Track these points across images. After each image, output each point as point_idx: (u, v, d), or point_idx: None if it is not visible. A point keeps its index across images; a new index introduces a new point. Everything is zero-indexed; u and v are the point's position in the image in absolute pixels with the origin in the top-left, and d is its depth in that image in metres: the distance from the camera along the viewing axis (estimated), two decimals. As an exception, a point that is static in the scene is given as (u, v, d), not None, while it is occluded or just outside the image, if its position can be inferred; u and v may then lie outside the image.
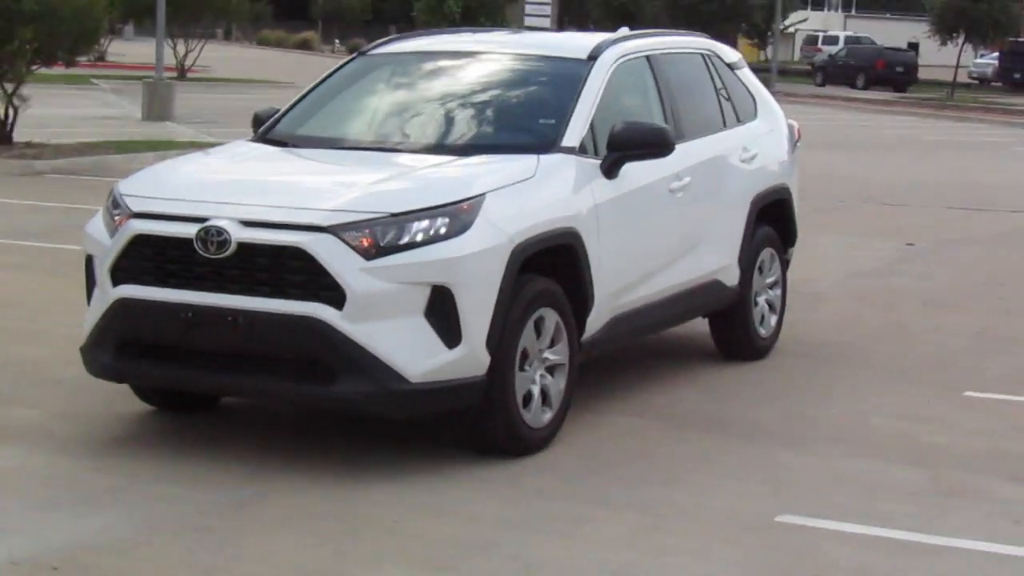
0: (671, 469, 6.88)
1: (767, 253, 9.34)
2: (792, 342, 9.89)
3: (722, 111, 9.12)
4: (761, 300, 9.30)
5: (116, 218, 6.88)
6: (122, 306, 6.75)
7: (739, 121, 9.23)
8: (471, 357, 6.51)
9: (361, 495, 6.32)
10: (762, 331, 9.30)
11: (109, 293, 6.80)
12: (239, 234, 6.43)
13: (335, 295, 6.32)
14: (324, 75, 8.71)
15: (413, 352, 6.39)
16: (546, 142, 7.40)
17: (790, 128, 9.96)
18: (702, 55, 9.22)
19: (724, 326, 9.16)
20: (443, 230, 6.46)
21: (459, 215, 6.54)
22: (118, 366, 6.86)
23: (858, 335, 10.25)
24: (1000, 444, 7.46)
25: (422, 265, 6.41)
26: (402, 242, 6.39)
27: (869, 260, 13.66)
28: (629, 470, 6.83)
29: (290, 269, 6.40)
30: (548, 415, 7.05)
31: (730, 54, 9.67)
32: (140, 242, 6.71)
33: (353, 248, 6.33)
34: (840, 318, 10.93)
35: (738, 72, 9.58)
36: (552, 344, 7.08)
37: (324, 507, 6.17)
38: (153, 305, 6.66)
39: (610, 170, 7.47)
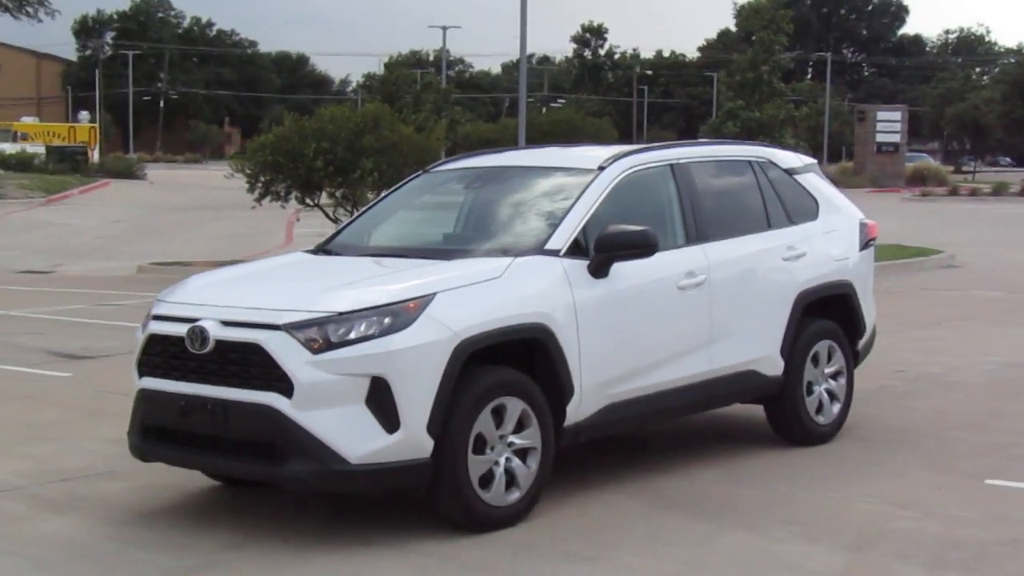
0: (596, 548, 6.79)
1: (824, 345, 9.10)
2: (870, 427, 9.63)
3: (767, 213, 9.04)
4: (819, 389, 9.05)
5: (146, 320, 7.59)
6: (142, 396, 7.26)
7: (791, 222, 9.09)
8: (411, 441, 6.64)
9: (302, 569, 6.53)
10: (820, 419, 9.04)
11: (135, 384, 7.40)
12: (217, 333, 6.84)
13: (286, 385, 6.60)
14: (392, 188, 9.45)
15: (354, 436, 6.59)
16: (530, 246, 7.57)
17: (862, 227, 9.91)
18: (750, 162, 9.15)
19: (774, 412, 9.00)
20: (385, 326, 6.67)
21: (403, 313, 6.71)
22: (144, 447, 7.29)
23: (945, 423, 9.80)
24: (967, 532, 6.98)
25: (362, 358, 6.60)
26: (348, 338, 6.62)
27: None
28: (563, 548, 6.77)
29: (252, 363, 6.70)
30: (515, 495, 7.08)
31: (789, 160, 9.51)
32: (154, 340, 7.21)
33: (302, 344, 6.65)
34: (947, 406, 10.46)
35: (798, 176, 9.41)
36: (520, 430, 7.15)
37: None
38: (159, 395, 7.13)
39: (597, 270, 7.53)
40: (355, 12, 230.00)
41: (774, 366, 8.75)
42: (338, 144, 23.34)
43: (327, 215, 23.06)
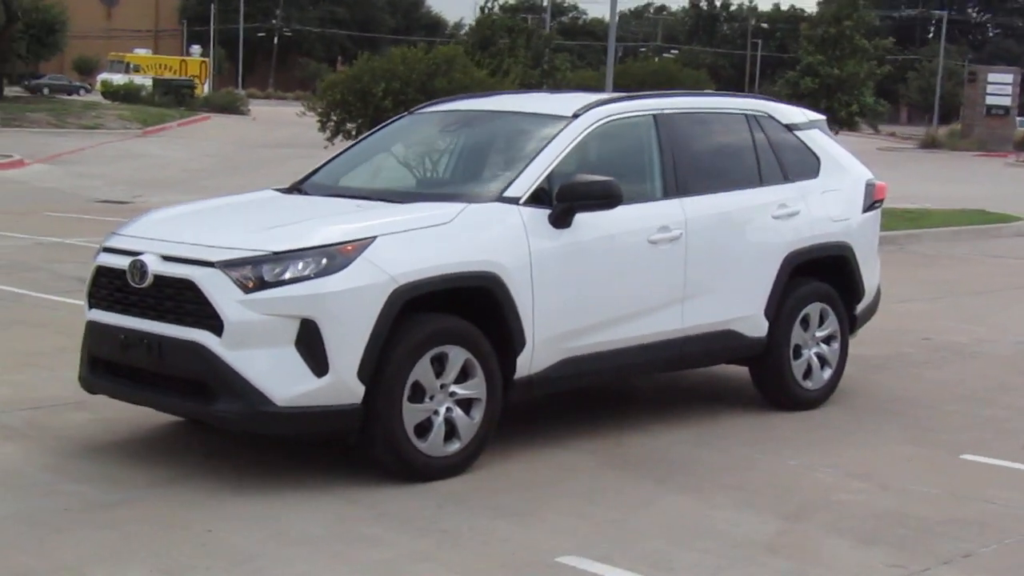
0: (528, 503, 6.61)
1: (816, 308, 8.80)
2: (868, 394, 9.37)
3: (760, 169, 8.70)
4: (808, 353, 8.76)
5: None
6: (89, 327, 7.24)
7: (787, 179, 8.77)
8: (339, 386, 6.50)
9: (217, 508, 6.44)
10: (808, 383, 8.76)
11: (85, 315, 7.46)
12: (156, 267, 6.74)
13: (216, 324, 6.50)
14: (374, 129, 9.26)
15: (282, 378, 6.47)
16: (489, 193, 7.39)
17: (868, 187, 9.50)
18: (747, 116, 8.82)
19: (758, 375, 8.75)
20: (319, 268, 6.53)
21: (339, 255, 6.56)
22: (90, 379, 7.25)
23: (947, 394, 9.49)
24: (916, 508, 6.69)
25: (292, 299, 6.47)
26: (283, 278, 6.50)
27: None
28: (493, 501, 6.61)
29: (186, 299, 6.61)
30: (455, 446, 6.94)
31: (791, 115, 9.15)
32: (100, 272, 7.15)
33: (234, 282, 6.53)
34: (957, 377, 10.14)
35: (799, 132, 9.05)
36: (463, 379, 7.00)
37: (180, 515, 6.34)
38: (103, 327, 7.08)
39: (559, 220, 7.32)
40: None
41: (756, 327, 8.49)
42: (409, 86, 23.28)
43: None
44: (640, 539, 6.16)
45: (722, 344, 8.38)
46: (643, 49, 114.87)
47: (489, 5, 42.93)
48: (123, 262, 7.04)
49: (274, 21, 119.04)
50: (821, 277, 8.98)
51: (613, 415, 8.49)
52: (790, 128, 9.08)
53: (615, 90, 34.07)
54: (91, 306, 7.30)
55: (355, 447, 6.96)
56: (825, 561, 5.93)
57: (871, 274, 9.37)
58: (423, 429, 6.91)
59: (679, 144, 8.23)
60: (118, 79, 70.44)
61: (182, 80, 70.47)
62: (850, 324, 9.27)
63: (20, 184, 27.06)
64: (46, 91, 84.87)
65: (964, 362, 10.88)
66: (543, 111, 8.15)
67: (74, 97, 75.74)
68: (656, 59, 61.11)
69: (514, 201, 7.32)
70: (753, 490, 7.00)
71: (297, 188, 8.30)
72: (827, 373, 9.00)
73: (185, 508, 6.45)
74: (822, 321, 8.95)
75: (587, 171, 7.71)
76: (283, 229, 6.92)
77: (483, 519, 6.39)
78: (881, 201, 9.53)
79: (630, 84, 45.58)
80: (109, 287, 7.16)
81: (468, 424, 7.07)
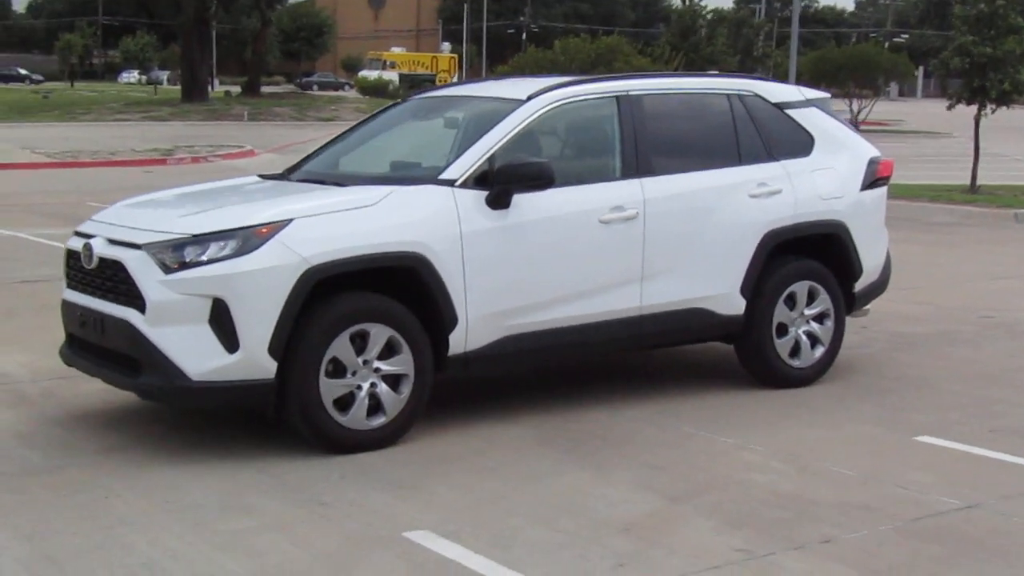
0: (425, 477, 6.31)
1: (803, 286, 8.18)
2: (877, 372, 8.75)
3: (739, 147, 8.13)
4: (795, 331, 8.18)
5: None
6: (62, 305, 7.30)
7: (771, 157, 8.17)
8: (251, 362, 6.34)
9: (131, 475, 6.34)
10: (795, 362, 8.17)
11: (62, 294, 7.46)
12: (100, 250, 6.73)
13: (141, 303, 6.42)
14: (367, 116, 9.02)
15: (196, 354, 6.34)
16: (425, 175, 7.12)
17: (870, 165, 8.78)
18: (728, 95, 8.21)
19: (740, 353, 8.21)
20: (233, 250, 6.37)
21: (252, 237, 6.39)
22: (67, 354, 7.26)
23: (961, 373, 8.75)
24: (819, 493, 6.10)
25: (204, 279, 6.33)
26: (200, 259, 6.37)
27: None
28: (394, 474, 6.33)
29: (119, 279, 6.56)
30: (380, 420, 6.69)
31: (783, 94, 8.50)
32: (68, 255, 7.19)
33: (157, 263, 6.43)
34: (987, 356, 9.32)
35: (791, 111, 8.39)
36: (389, 356, 6.73)
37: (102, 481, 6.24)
38: (69, 305, 7.12)
39: (495, 201, 6.97)
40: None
41: (731, 305, 7.96)
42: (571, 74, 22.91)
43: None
44: (504, 516, 5.81)
45: (692, 322, 7.88)
46: (873, 34, 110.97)
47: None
48: (78, 245, 7.08)
49: (522, 18, 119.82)
50: (812, 255, 8.35)
51: (584, 391, 8.09)
52: (780, 107, 8.46)
53: (797, 76, 32.86)
54: (66, 286, 7.33)
55: (274, 419, 6.76)
56: (673, 543, 5.47)
57: (873, 252, 8.67)
58: (344, 403, 6.69)
59: (644, 125, 7.75)
60: (372, 75, 72.12)
61: (424, 75, 71.81)
62: (848, 303, 8.59)
63: (239, 170, 27.80)
64: (315, 88, 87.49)
65: (1007, 341, 10.02)
66: (499, 95, 7.80)
67: (339, 93, 77.79)
68: (863, 43, 58.65)
69: (450, 183, 7.01)
70: (662, 468, 6.53)
71: (284, 174, 8.15)
72: (819, 351, 8.38)
73: (105, 475, 6.40)
74: (812, 299, 8.34)
75: (539, 153, 7.34)
76: (210, 213, 6.80)
77: (371, 491, 6.14)
78: (886, 179, 8.82)
79: (827, 69, 44.10)
80: (73, 268, 7.20)
81: (395, 399, 6.81)
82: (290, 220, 6.57)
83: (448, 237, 6.88)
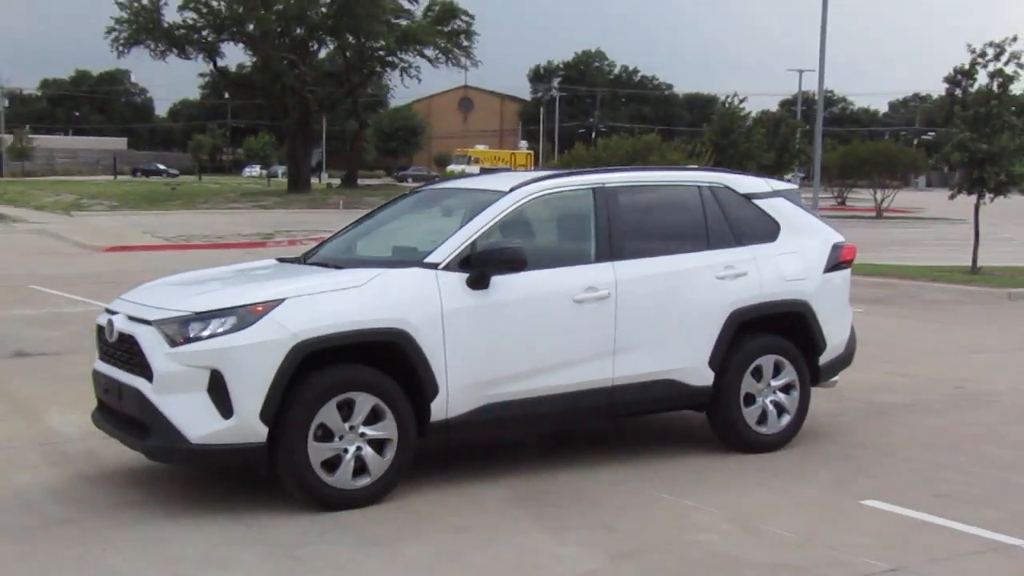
0: (395, 535, 6.04)
1: (769, 360, 7.84)
2: (841, 438, 8.32)
3: (708, 234, 7.85)
4: (762, 400, 7.83)
5: None
6: (92, 374, 7.22)
7: (738, 243, 7.89)
8: (244, 427, 6.17)
9: (133, 529, 6.19)
10: (762, 429, 7.81)
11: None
12: (120, 325, 6.66)
13: (149, 373, 6.30)
14: (381, 204, 8.85)
15: (195, 419, 6.18)
16: (413, 259, 6.92)
17: (833, 249, 8.45)
18: (700, 187, 7.95)
19: (711, 420, 7.88)
20: (230, 326, 6.23)
21: (248, 315, 6.24)
22: (97, 417, 7.13)
23: (924, 441, 8.28)
24: (753, 553, 5.73)
25: (203, 352, 6.19)
26: (202, 335, 6.24)
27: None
28: (377, 530, 6.08)
29: (133, 352, 6.45)
30: (364, 480, 6.47)
31: (751, 186, 8.22)
32: (98, 329, 7.10)
33: (164, 338, 6.33)
34: (953, 426, 8.82)
35: (759, 201, 8.11)
36: (374, 422, 6.51)
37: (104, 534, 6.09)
38: (97, 374, 7.03)
39: (475, 282, 6.77)
40: (767, 53, 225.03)
41: (700, 376, 7.64)
42: (610, 169, 22.75)
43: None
44: (456, 573, 5.51)
45: (662, 392, 7.57)
46: (903, 133, 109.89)
47: (731, 100, 41.84)
48: (103, 320, 6.99)
49: (591, 119, 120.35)
50: (778, 332, 8.03)
51: (564, 454, 7.79)
52: (748, 197, 8.18)
53: (826, 170, 32.33)
54: (98, 357, 7.23)
55: (267, 478, 6.56)
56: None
57: (836, 328, 8.32)
58: (332, 465, 6.47)
59: (618, 213, 7.52)
60: (458, 168, 72.75)
61: (502, 168, 71.97)
62: (813, 375, 8.23)
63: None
64: (410, 180, 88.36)
65: (970, 411, 9.53)
66: (487, 187, 7.62)
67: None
68: (886, 140, 57.95)
69: (434, 266, 6.83)
70: (616, 529, 6.21)
71: (301, 258, 8.01)
72: (785, 420, 8.02)
73: (110, 527, 6.24)
74: (778, 372, 8.00)
75: (520, 239, 7.14)
76: (216, 293, 6.67)
77: (344, 547, 5.91)
78: (849, 262, 8.48)
79: (853, 163, 43.56)
80: (100, 341, 7.10)
81: (379, 461, 6.59)
82: (282, 299, 6.42)
83: (429, 314, 6.68)
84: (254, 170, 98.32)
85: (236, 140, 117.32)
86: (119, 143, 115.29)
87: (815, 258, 8.22)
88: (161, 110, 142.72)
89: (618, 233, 7.46)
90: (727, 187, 8.13)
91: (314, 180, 67.37)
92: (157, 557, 5.74)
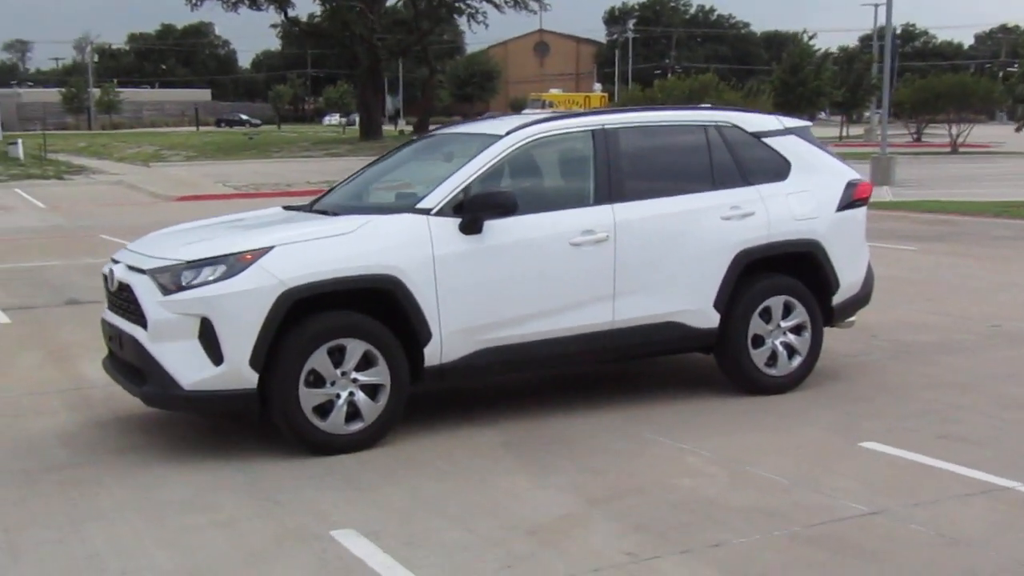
0: (377, 479, 6.02)
1: (778, 300, 7.67)
2: (858, 379, 8.13)
3: (713, 174, 7.67)
4: (771, 342, 7.67)
5: None
6: (101, 322, 7.33)
7: (746, 182, 7.71)
8: (234, 373, 6.19)
9: (127, 475, 6.24)
10: (772, 371, 7.66)
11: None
12: (119, 275, 6.72)
13: (144, 321, 6.35)
14: (388, 151, 8.76)
15: (187, 366, 6.22)
16: (404, 205, 6.86)
17: (847, 188, 8.14)
18: (706, 127, 7.76)
19: (719, 362, 7.74)
20: (220, 274, 6.24)
21: (237, 263, 6.25)
22: (107, 365, 7.22)
23: (942, 380, 8.05)
24: (730, 497, 5.61)
25: (193, 300, 6.21)
26: (193, 283, 6.26)
27: None
28: (362, 476, 6.06)
29: (130, 300, 6.51)
30: (357, 425, 6.48)
31: (760, 124, 7.97)
32: (103, 277, 7.22)
33: (157, 286, 6.37)
34: (977, 365, 8.56)
35: (769, 139, 7.90)
36: (366, 367, 6.50)
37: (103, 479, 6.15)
38: (103, 322, 7.12)
39: (467, 227, 6.69)
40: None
41: (705, 319, 7.50)
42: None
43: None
44: (432, 517, 5.51)
45: (666, 335, 7.44)
46: (988, 65, 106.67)
47: (804, 35, 41.03)
48: (106, 270, 7.06)
49: (667, 60, 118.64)
50: (789, 272, 7.83)
51: (562, 398, 7.73)
52: (757, 135, 7.95)
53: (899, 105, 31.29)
54: (106, 306, 7.32)
55: (260, 423, 6.60)
56: (568, 546, 5.09)
57: (851, 268, 8.09)
58: (324, 410, 6.48)
59: (618, 155, 7.36)
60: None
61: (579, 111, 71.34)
62: (826, 316, 8.03)
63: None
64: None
65: (1002, 350, 9.23)
66: (484, 131, 7.50)
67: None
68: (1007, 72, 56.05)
69: (426, 212, 6.76)
70: (600, 472, 6.14)
71: (307, 206, 7.98)
72: (796, 361, 7.85)
73: (108, 472, 6.33)
74: (788, 313, 7.81)
75: (516, 183, 7.03)
76: (209, 242, 6.66)
77: (328, 491, 5.92)
78: (864, 200, 8.22)
79: (927, 97, 42.37)
80: (106, 290, 7.17)
81: (372, 407, 6.58)
82: (271, 247, 6.40)
83: (420, 260, 6.62)
84: (333, 118, 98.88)
85: (316, 89, 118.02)
86: (204, 95, 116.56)
87: (827, 197, 7.99)
88: (244, 61, 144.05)
89: (618, 175, 7.31)
90: (735, 126, 7.92)
91: (389, 127, 67.45)
92: (145, 500, 5.80)
